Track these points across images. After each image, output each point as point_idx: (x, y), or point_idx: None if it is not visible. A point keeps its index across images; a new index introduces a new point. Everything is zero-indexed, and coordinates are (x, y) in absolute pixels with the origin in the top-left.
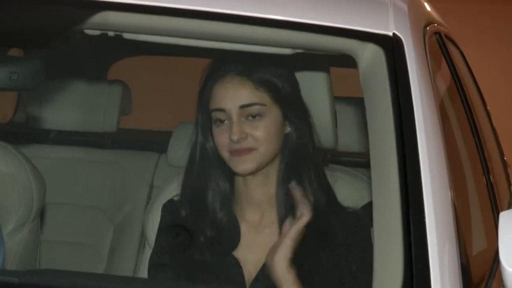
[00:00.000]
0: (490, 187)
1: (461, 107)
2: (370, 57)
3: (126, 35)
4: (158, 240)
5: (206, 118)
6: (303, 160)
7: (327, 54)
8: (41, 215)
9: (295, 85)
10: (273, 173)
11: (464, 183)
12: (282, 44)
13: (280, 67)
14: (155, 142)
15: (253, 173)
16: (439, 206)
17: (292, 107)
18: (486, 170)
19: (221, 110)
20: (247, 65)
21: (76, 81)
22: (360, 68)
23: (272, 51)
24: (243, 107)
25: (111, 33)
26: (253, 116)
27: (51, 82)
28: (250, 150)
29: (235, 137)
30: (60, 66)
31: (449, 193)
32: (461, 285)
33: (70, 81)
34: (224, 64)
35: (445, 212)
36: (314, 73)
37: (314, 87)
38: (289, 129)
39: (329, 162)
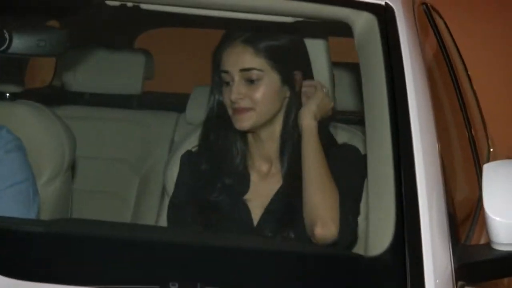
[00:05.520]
0: (472, 141)
1: (446, 70)
2: (364, 24)
3: (144, 6)
4: (177, 185)
5: (218, 79)
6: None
7: (325, 22)
8: (73, 167)
9: (301, 54)
10: (278, 130)
11: (449, 137)
12: (285, 12)
13: (284, 36)
14: (174, 103)
15: (251, 130)
16: (428, 158)
17: (292, 74)
18: (468, 126)
19: (226, 72)
20: (251, 34)
21: (106, 50)
22: (355, 34)
23: (275, 19)
24: (242, 70)
25: (129, 4)
26: (251, 80)
27: (85, 51)
28: (247, 109)
29: (232, 97)
30: (92, 37)
31: (437, 147)
32: (448, 230)
33: (101, 50)
34: (233, 33)
35: (434, 164)
36: (314, 40)
37: (313, 53)
38: (288, 93)
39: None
